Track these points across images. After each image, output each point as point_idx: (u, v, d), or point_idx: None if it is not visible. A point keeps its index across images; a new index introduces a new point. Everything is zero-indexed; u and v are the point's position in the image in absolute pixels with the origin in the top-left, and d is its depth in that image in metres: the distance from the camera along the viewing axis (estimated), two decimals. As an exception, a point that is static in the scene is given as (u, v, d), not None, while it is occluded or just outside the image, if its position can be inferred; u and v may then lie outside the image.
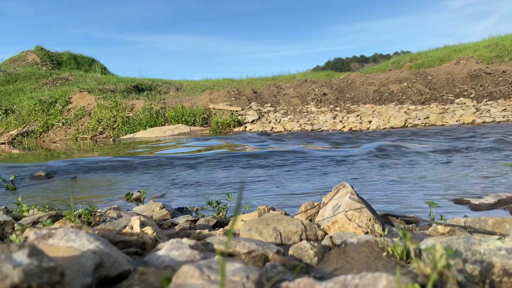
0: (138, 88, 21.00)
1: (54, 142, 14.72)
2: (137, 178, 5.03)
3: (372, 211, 1.66)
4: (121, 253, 1.03)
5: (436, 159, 5.52)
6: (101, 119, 15.57)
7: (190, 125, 14.73)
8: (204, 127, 14.64)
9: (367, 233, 1.49)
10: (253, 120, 14.63)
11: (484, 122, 12.01)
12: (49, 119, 16.33)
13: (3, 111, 17.54)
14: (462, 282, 0.88)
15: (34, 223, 1.93)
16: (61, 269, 0.75)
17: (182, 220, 2.24)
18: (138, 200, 3.49)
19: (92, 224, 1.82)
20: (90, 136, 14.99)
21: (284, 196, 3.54)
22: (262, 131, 13.03)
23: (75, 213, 1.77)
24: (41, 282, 0.70)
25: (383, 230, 1.50)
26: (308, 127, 13.03)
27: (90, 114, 16.17)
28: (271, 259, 1.13)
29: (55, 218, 1.98)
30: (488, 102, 14.85)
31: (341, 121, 13.57)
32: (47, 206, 2.53)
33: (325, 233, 1.52)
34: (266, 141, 10.03)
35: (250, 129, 13.63)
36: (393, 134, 10.22)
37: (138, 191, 3.63)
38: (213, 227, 2.17)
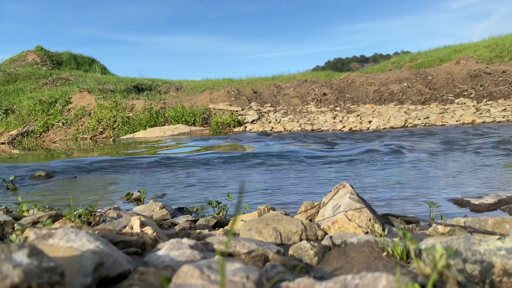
0: (138, 88, 21.00)
1: (54, 142, 14.72)
2: (137, 178, 5.03)
3: (372, 211, 1.66)
4: (121, 253, 1.03)
5: (436, 159, 5.52)
6: (101, 119, 15.56)
7: (190, 125, 14.73)
8: (204, 127, 14.64)
9: (367, 233, 1.49)
10: (253, 120, 14.63)
11: (484, 122, 12.01)
12: (49, 119, 16.33)
13: (3, 111, 17.54)
14: (462, 282, 0.88)
15: (34, 223, 1.93)
16: (61, 269, 0.75)
17: (182, 220, 2.24)
18: (138, 200, 3.49)
19: (92, 224, 1.82)
20: (90, 136, 14.99)
21: (284, 196, 3.54)
22: (262, 131, 13.03)
23: (75, 213, 1.77)
24: (41, 282, 0.70)
25: (383, 230, 1.50)
26: (308, 127, 13.03)
27: (90, 114, 16.17)
28: (271, 259, 1.13)
29: (55, 218, 1.98)
30: (488, 102, 14.86)
31: (341, 121, 13.57)
32: (47, 206, 2.53)
33: (325, 233, 1.52)
34: (266, 141, 10.03)
35: (250, 129, 13.63)
36: (393, 134, 10.22)
37: (138, 191, 3.63)
38: (213, 227, 2.18)
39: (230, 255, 1.16)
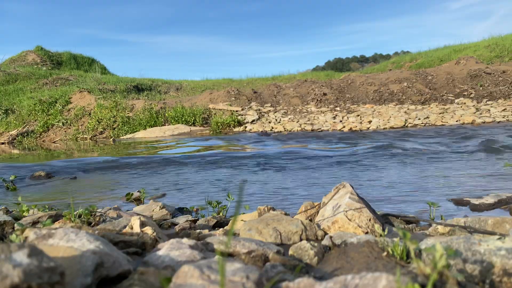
0: (138, 88, 20.99)
1: (54, 142, 14.72)
2: (137, 178, 5.03)
3: (372, 211, 1.66)
4: (121, 253, 1.03)
5: (436, 159, 5.52)
6: (101, 119, 15.56)
7: (190, 125, 14.72)
8: (204, 127, 14.64)
9: (367, 233, 1.49)
10: (253, 120, 14.63)
11: (484, 122, 12.01)
12: (49, 119, 16.32)
13: (3, 111, 17.53)
14: (462, 282, 0.88)
15: (34, 223, 1.93)
16: (61, 269, 0.75)
17: (182, 220, 2.24)
18: (138, 200, 3.49)
19: (92, 224, 1.82)
20: (90, 136, 14.99)
21: (284, 196, 3.54)
22: (262, 131, 13.03)
23: (75, 213, 1.77)
24: (41, 282, 0.70)
25: (383, 230, 1.50)
26: (308, 127, 13.03)
27: (90, 114, 16.17)
28: (271, 259, 1.13)
29: (55, 218, 1.98)
30: (488, 102, 14.85)
31: (341, 121, 13.57)
32: (47, 206, 2.53)
33: (325, 233, 1.52)
34: (266, 141, 10.03)
35: (250, 129, 13.63)
36: (393, 134, 10.22)
37: (138, 191, 3.63)
38: (213, 227, 2.18)
39: (230, 255, 1.16)
